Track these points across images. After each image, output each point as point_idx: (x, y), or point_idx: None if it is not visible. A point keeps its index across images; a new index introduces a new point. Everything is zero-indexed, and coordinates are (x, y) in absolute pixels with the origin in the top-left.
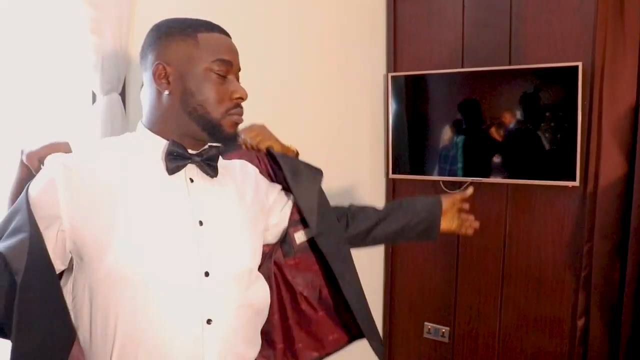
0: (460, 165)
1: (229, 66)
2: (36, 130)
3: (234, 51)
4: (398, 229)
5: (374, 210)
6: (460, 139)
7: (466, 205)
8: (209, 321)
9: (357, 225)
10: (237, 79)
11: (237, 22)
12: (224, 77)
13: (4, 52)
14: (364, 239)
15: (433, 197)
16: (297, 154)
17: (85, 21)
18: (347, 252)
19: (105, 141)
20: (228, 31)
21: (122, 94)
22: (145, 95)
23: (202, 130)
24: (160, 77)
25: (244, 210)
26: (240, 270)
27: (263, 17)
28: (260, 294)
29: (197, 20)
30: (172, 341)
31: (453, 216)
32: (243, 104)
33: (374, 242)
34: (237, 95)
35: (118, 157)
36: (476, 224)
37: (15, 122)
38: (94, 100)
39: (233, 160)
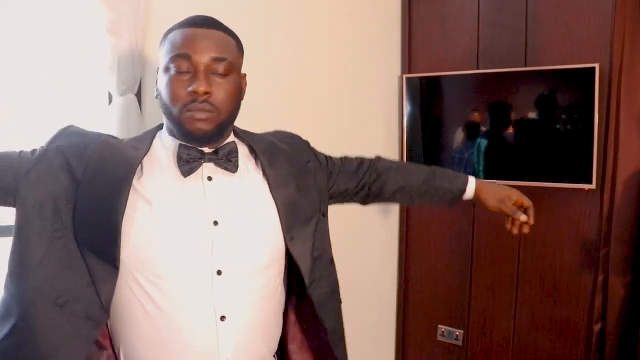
0: (474, 167)
1: (186, 59)
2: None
3: (199, 41)
4: (432, 193)
5: (405, 167)
6: (474, 141)
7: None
8: (222, 318)
9: (392, 180)
10: (210, 75)
11: (250, 23)
12: (186, 72)
13: (22, 53)
14: (391, 196)
15: (464, 177)
16: None
17: (103, 22)
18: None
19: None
20: (238, 30)
21: (138, 95)
22: None
23: (176, 129)
24: (156, 82)
25: (272, 203)
26: (255, 267)
27: (275, 18)
28: (284, 289)
29: (182, 20)
30: (187, 336)
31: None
32: (269, 103)
33: (398, 199)
34: (191, 89)
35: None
36: (525, 229)
37: (32, 121)
38: (110, 101)
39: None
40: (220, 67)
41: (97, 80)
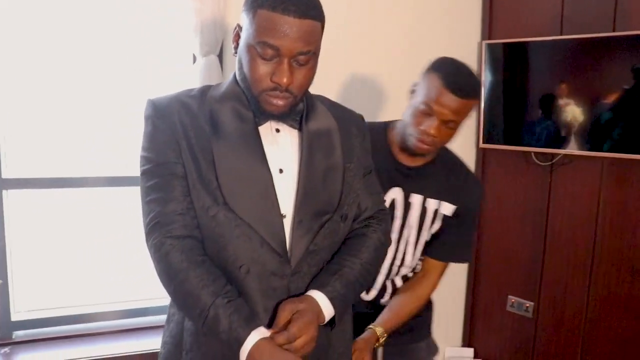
0: (554, 137)
1: (275, 50)
2: (142, 87)
3: (289, 35)
4: None
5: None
6: (559, 112)
7: None
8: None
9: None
10: (292, 62)
11: None
12: (270, 59)
13: (117, 15)
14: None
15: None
16: None
17: None
18: None
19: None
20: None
21: (220, 56)
22: None
23: (252, 103)
24: (234, 39)
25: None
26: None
27: None
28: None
29: None
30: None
31: None
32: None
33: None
34: (275, 79)
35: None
36: None
37: (123, 79)
38: (194, 61)
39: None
40: (304, 58)
41: (183, 42)
